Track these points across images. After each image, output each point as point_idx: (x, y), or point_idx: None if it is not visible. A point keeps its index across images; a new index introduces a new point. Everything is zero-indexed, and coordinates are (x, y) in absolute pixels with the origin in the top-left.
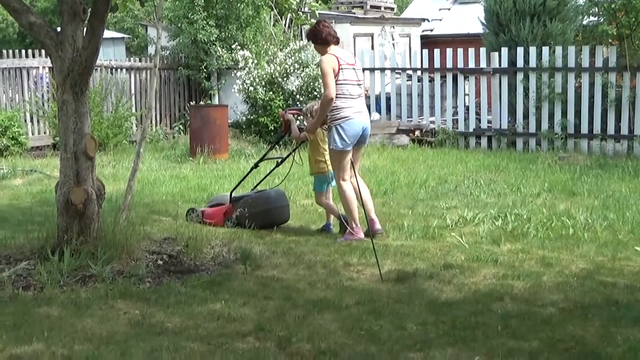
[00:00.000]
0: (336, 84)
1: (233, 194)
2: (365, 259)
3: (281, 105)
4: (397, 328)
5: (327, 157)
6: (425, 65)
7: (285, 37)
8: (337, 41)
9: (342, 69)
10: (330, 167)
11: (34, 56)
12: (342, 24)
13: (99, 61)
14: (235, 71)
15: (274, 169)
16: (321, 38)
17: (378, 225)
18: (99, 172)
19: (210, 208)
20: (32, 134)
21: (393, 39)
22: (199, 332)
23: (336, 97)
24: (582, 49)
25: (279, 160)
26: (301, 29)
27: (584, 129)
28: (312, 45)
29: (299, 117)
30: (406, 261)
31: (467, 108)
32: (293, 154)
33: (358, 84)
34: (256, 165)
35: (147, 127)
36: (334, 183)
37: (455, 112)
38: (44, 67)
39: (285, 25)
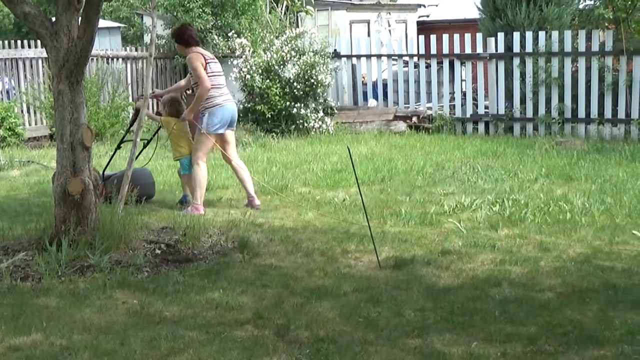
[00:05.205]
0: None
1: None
2: (362, 246)
3: (278, 93)
4: (395, 314)
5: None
6: (422, 51)
7: (282, 24)
8: (197, 43)
9: (208, 63)
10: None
11: (29, 46)
12: (339, 10)
13: (95, 51)
14: (231, 59)
15: (142, 150)
16: (184, 39)
17: (257, 201)
18: (96, 162)
19: None
20: (29, 124)
21: (389, 25)
22: (198, 321)
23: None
24: (579, 33)
25: (145, 142)
26: (297, 16)
27: (581, 114)
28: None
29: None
30: (404, 248)
31: (464, 94)
32: (156, 136)
33: (222, 74)
34: (119, 147)
35: (144, 117)
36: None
37: (452, 98)
38: None
39: (281, 12)
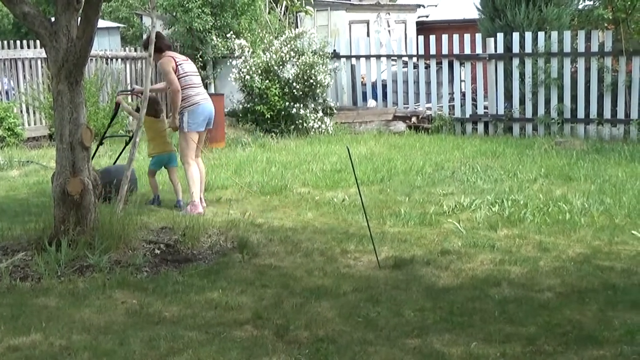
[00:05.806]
0: (180, 77)
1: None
2: (362, 246)
3: (278, 93)
4: (394, 314)
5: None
6: (421, 51)
7: (281, 24)
8: (169, 47)
9: (179, 64)
10: (169, 148)
11: (28, 47)
12: (338, 10)
13: (94, 51)
14: (231, 60)
15: (125, 146)
16: (155, 47)
17: (182, 203)
18: (96, 162)
19: None
20: (28, 124)
21: (389, 26)
22: (197, 321)
23: (184, 88)
24: (578, 34)
25: (127, 139)
26: (297, 17)
27: (581, 114)
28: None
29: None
30: (403, 248)
31: (463, 94)
32: (140, 132)
33: (197, 74)
34: (101, 142)
35: (143, 117)
36: (175, 163)
37: (451, 99)
38: None
39: (280, 12)
